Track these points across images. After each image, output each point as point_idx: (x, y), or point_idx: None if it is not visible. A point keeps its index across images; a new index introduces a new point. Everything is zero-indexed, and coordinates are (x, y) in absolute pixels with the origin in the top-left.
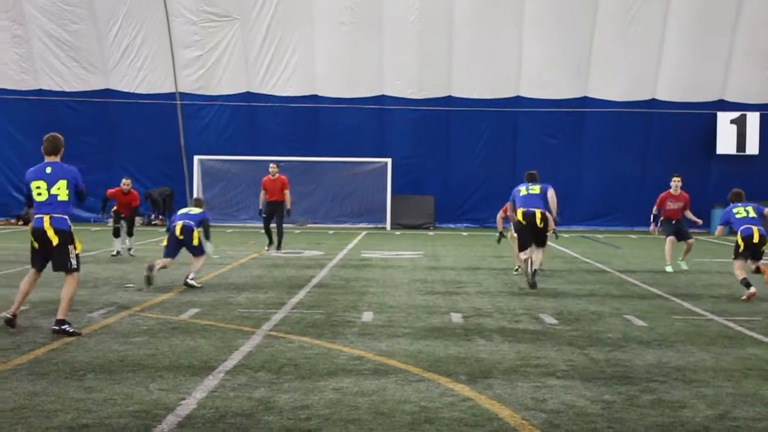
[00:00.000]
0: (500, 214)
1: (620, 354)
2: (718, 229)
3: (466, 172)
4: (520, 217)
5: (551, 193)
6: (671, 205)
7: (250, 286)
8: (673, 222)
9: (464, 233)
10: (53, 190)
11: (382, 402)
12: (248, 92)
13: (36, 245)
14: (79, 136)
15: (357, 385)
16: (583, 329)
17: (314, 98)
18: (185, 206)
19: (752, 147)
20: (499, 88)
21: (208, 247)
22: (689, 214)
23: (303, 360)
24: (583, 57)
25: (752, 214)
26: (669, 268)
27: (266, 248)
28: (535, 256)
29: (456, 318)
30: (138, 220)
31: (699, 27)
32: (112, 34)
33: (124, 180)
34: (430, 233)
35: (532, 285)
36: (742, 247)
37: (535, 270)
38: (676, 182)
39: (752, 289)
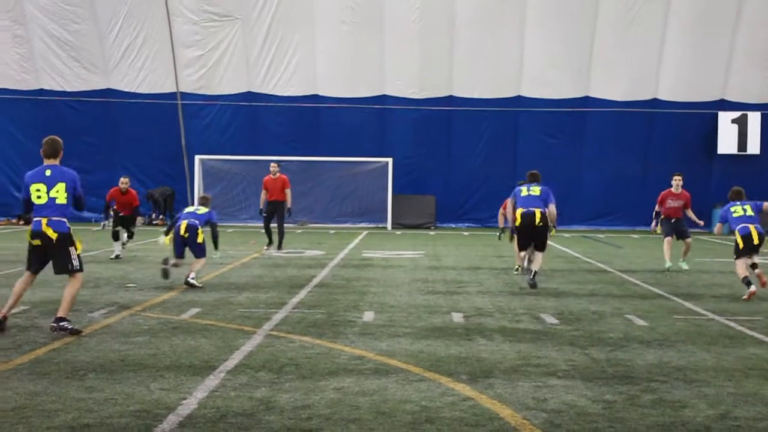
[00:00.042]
0: (501, 211)
1: (621, 354)
2: (717, 227)
3: (467, 172)
4: (518, 217)
5: (552, 208)
6: (671, 204)
7: (251, 286)
8: (672, 220)
9: (465, 233)
10: (52, 193)
11: (383, 402)
12: (249, 92)
13: (36, 243)
14: (80, 135)
15: (358, 385)
16: (584, 329)
17: (315, 98)
18: (186, 205)
19: (753, 147)
20: (500, 88)
21: (216, 254)
22: (691, 214)
23: (304, 360)
24: (585, 57)
25: (750, 212)
26: (668, 264)
27: (265, 248)
28: (535, 259)
29: (457, 318)
30: (139, 220)
31: (700, 27)
32: (113, 34)
33: (122, 179)
34: (431, 233)
35: (533, 285)
36: (741, 246)
37: (535, 272)
38: (677, 181)
39: (752, 288)
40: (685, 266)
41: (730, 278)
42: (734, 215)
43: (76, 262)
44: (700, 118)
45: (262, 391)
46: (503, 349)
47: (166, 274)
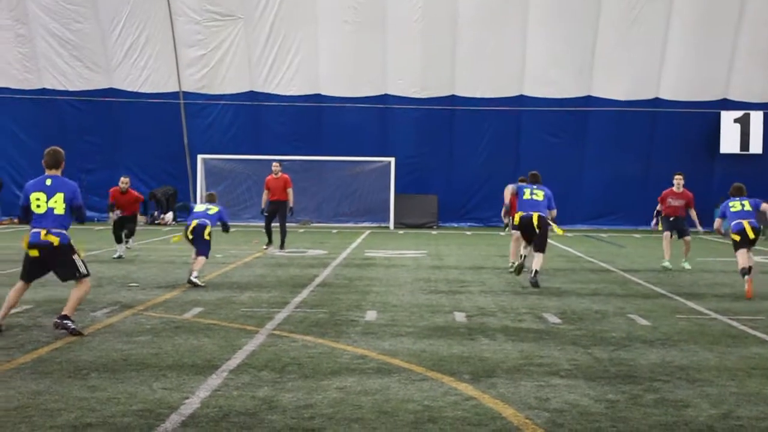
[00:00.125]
0: (506, 202)
1: (624, 353)
2: (717, 222)
3: (469, 171)
4: (516, 220)
5: (553, 213)
6: (672, 202)
7: (253, 285)
8: (672, 219)
9: (467, 232)
10: (50, 203)
11: (385, 401)
12: (251, 91)
13: (34, 254)
14: (82, 135)
15: (360, 384)
16: (587, 328)
17: (317, 97)
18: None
19: (756, 146)
20: (503, 87)
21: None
22: (693, 215)
23: (306, 359)
24: (587, 56)
25: (747, 207)
26: (667, 264)
27: (264, 247)
28: (535, 259)
29: (459, 317)
30: (141, 219)
31: (702, 26)
32: (115, 34)
33: (122, 178)
34: (434, 232)
35: (534, 284)
36: (738, 240)
37: (536, 271)
38: (678, 180)
39: (747, 277)
40: (687, 266)
41: (733, 278)
42: (732, 210)
43: (82, 269)
44: (703, 118)
45: (264, 391)
46: (506, 349)
47: (194, 284)
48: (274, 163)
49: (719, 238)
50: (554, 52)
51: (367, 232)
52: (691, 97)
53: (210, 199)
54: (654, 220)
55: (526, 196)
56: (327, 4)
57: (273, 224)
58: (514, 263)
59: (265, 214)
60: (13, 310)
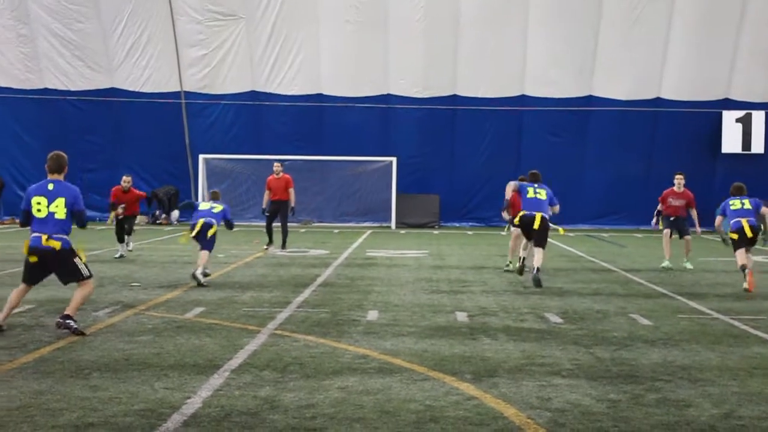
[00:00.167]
0: (507, 200)
1: (625, 353)
2: (717, 219)
3: (471, 171)
4: (517, 220)
5: (556, 208)
6: (673, 202)
7: (255, 285)
8: (672, 219)
9: (469, 232)
10: (51, 207)
11: (387, 401)
12: (253, 91)
13: (33, 260)
14: (84, 134)
15: (362, 384)
16: (589, 328)
17: (319, 97)
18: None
19: (758, 146)
20: (504, 87)
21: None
22: (694, 214)
23: (308, 359)
24: (588, 56)
25: (747, 206)
26: (666, 264)
27: (265, 247)
28: (535, 255)
29: (461, 317)
30: (142, 219)
31: (704, 26)
32: (117, 33)
33: (124, 177)
34: (435, 232)
35: (536, 281)
36: (736, 238)
37: (538, 268)
38: (678, 179)
39: (747, 270)
40: (689, 266)
41: (734, 277)
42: (732, 208)
43: (85, 271)
44: (704, 117)
45: (266, 390)
46: (507, 349)
47: (197, 281)
48: (275, 164)
49: (720, 238)
50: (556, 51)
51: (369, 231)
52: (692, 96)
53: (214, 197)
54: (654, 219)
55: (530, 194)
56: (329, 3)
57: (274, 224)
58: (511, 262)
59: (267, 214)
60: (15, 310)
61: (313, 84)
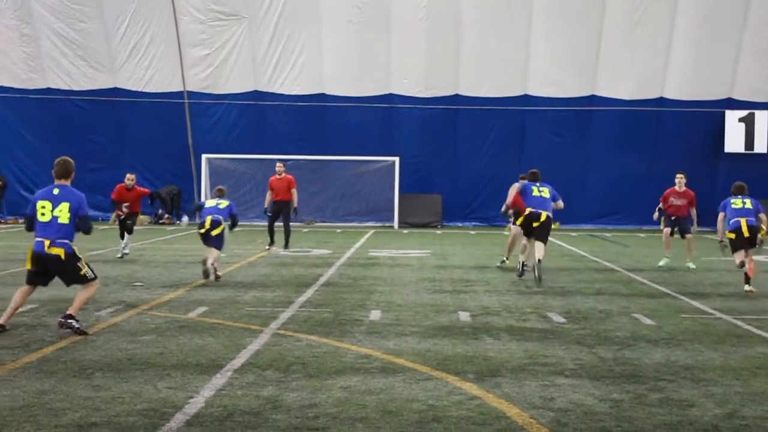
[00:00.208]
0: (509, 200)
1: (628, 353)
2: (720, 216)
3: (473, 171)
4: (522, 219)
5: (560, 203)
6: (674, 201)
7: (257, 285)
8: (673, 218)
9: (472, 232)
10: (56, 212)
11: (389, 400)
12: (256, 91)
13: (35, 267)
14: (86, 134)
15: (365, 384)
16: (591, 328)
17: (322, 97)
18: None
19: (761, 145)
20: (507, 87)
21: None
22: (693, 213)
23: (311, 358)
24: (591, 56)
25: (748, 205)
26: (664, 261)
27: (266, 247)
28: (537, 249)
29: (464, 316)
30: (144, 219)
31: (706, 26)
32: (120, 33)
33: (128, 175)
34: (438, 232)
35: (538, 276)
36: (734, 239)
37: (539, 259)
38: (680, 179)
39: (746, 267)
40: (691, 265)
41: (737, 277)
42: (733, 206)
43: (89, 274)
44: (707, 117)
45: (269, 390)
46: (510, 348)
47: (206, 273)
48: (277, 164)
49: (719, 241)
50: (558, 51)
51: (372, 231)
52: (695, 96)
53: (219, 194)
54: (656, 214)
55: (535, 193)
56: (331, 3)
57: (276, 224)
58: (507, 259)
59: (269, 214)
60: (18, 310)
61: (316, 84)
